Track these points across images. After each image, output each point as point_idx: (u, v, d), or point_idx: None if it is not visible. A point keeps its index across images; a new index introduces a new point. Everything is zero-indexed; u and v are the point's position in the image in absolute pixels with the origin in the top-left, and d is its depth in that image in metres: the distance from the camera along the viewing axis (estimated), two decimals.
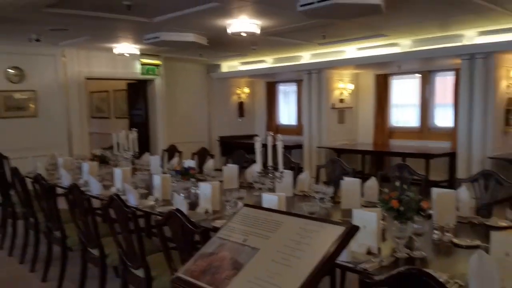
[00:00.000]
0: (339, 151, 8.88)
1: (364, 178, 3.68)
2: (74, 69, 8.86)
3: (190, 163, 4.65)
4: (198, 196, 3.53)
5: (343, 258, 2.22)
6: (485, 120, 7.03)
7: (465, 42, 7.08)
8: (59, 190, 4.47)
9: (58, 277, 4.02)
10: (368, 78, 9.65)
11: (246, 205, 1.85)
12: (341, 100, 9.48)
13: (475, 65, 7.02)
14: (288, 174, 3.76)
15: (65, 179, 4.76)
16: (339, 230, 1.36)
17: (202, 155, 6.13)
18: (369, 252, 2.34)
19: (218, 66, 11.01)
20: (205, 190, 3.35)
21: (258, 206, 1.92)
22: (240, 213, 1.81)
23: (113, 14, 5.77)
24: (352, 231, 1.34)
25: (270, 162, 3.42)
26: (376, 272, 2.11)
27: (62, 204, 3.93)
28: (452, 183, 7.45)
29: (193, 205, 3.43)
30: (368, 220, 2.39)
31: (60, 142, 8.53)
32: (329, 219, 1.67)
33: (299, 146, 9.73)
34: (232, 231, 1.76)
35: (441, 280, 1.87)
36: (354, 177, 3.73)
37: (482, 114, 7.04)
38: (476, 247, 2.41)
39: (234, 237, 1.72)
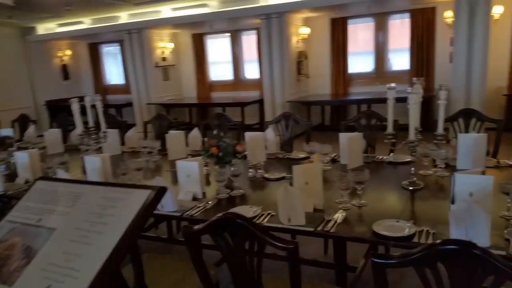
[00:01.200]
0: (168, 106, 8.59)
1: (191, 129, 3.53)
2: None
3: (7, 131, 3.86)
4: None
5: (170, 208, 2.06)
6: (283, 71, 7.47)
7: (262, 3, 7.23)
8: None
9: None
10: (186, 37, 9.37)
11: (41, 177, 1.38)
12: (164, 59, 9.03)
13: (272, 24, 7.29)
14: (113, 133, 3.36)
15: None
16: (145, 194, 1.10)
17: (23, 122, 5.17)
18: (195, 198, 2.22)
19: (34, 28, 9.33)
20: (22, 158, 2.77)
21: (54, 178, 1.52)
22: (33, 189, 1.37)
23: None
24: (159, 193, 1.11)
25: (91, 123, 2.98)
26: (201, 216, 2.01)
27: None
28: (263, 124, 7.88)
29: (14, 176, 2.86)
30: (191, 169, 2.27)
31: None
32: (134, 184, 1.39)
33: (130, 104, 9.07)
34: (25, 211, 1.30)
35: (250, 214, 1.88)
36: (180, 129, 3.55)
37: (280, 66, 7.45)
38: (282, 178, 2.50)
39: (26, 218, 1.27)
